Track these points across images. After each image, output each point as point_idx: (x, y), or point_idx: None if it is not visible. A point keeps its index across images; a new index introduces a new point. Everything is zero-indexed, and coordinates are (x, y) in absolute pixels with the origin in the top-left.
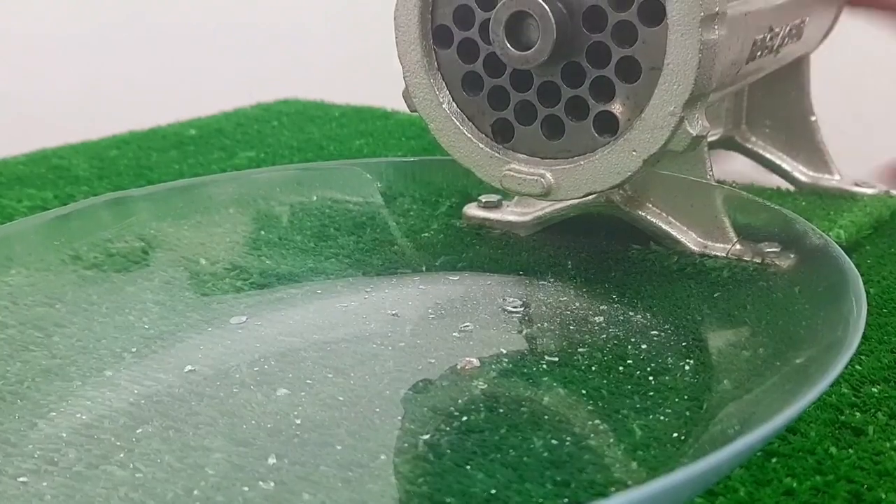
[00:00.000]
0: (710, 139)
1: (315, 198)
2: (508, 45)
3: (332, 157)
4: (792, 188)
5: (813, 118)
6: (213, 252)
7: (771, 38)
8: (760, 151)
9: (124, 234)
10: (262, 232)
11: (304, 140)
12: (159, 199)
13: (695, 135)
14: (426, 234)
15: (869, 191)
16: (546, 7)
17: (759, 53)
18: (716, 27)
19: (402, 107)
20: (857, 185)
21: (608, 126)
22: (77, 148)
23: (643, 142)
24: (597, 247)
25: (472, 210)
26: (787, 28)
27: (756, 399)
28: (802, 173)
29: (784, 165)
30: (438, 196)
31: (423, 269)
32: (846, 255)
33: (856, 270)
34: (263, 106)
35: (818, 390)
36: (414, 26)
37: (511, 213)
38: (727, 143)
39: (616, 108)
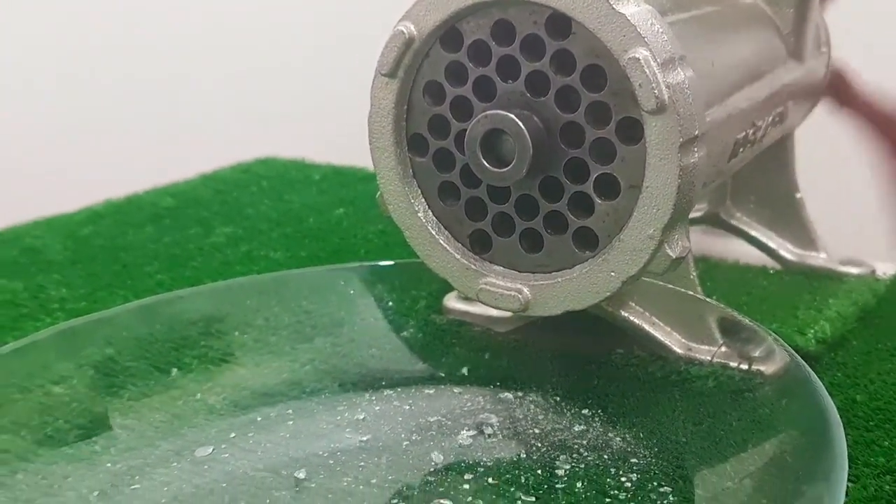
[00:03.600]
0: (694, 215)
1: (289, 295)
2: (485, 163)
3: (310, 231)
4: (777, 266)
5: (798, 195)
6: (185, 361)
7: (754, 133)
8: (745, 228)
9: (95, 351)
10: (236, 334)
11: (284, 210)
12: (130, 320)
13: (674, 257)
14: (405, 334)
15: (854, 270)
16: (521, 125)
17: (741, 150)
18: (695, 149)
19: None
20: (842, 264)
21: (587, 241)
22: (51, 223)
23: (622, 263)
24: (578, 349)
25: (451, 302)
26: (771, 118)
27: None
28: (788, 251)
29: (770, 243)
30: (418, 283)
31: (400, 380)
32: (823, 388)
33: (835, 412)
34: (242, 167)
35: None
36: (388, 133)
37: (492, 308)
38: (712, 220)
39: (595, 224)
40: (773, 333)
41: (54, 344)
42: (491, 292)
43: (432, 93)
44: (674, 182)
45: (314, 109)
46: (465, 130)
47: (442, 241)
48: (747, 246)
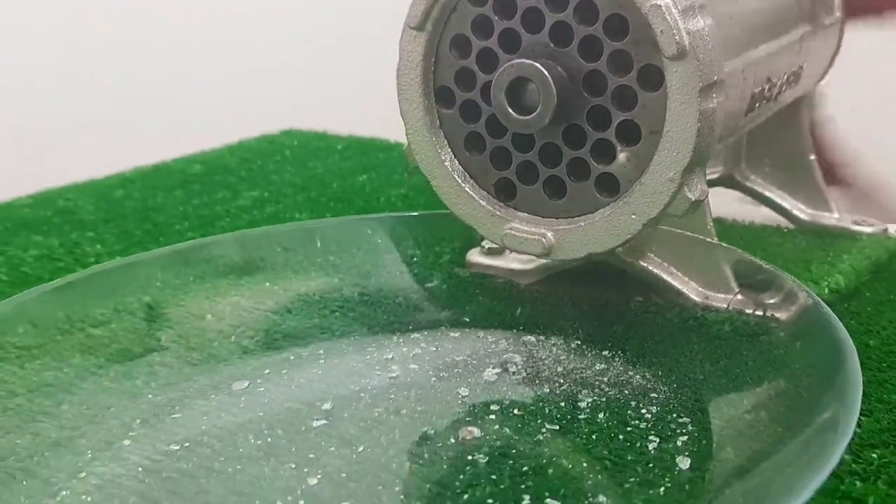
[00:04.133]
0: (709, 177)
1: (319, 246)
2: (510, 110)
3: (334, 194)
4: (791, 226)
5: (812, 157)
6: (218, 308)
7: (769, 89)
8: (760, 190)
9: (131, 296)
10: (267, 284)
11: (308, 177)
12: (165, 262)
13: (693, 200)
14: (430, 285)
15: (867, 229)
16: (546, 73)
17: (756, 105)
18: (714, 95)
19: (403, 138)
20: (855, 223)
21: (609, 187)
22: (82, 188)
23: (643, 206)
24: (598, 298)
25: (475, 257)
26: (785, 76)
27: (759, 477)
28: (802, 211)
29: (784, 204)
30: (441, 240)
31: (426, 324)
32: (840, 323)
33: (851, 342)
34: (268, 138)
35: (813, 487)
36: (416, 86)
37: (514, 261)
38: (727, 182)
39: (617, 170)
40: (789, 275)
41: (92, 286)
42: (515, 237)
43: (459, 46)
44: (693, 126)
45: (335, 84)
46: (491, 82)
47: (468, 189)
48: (762, 208)
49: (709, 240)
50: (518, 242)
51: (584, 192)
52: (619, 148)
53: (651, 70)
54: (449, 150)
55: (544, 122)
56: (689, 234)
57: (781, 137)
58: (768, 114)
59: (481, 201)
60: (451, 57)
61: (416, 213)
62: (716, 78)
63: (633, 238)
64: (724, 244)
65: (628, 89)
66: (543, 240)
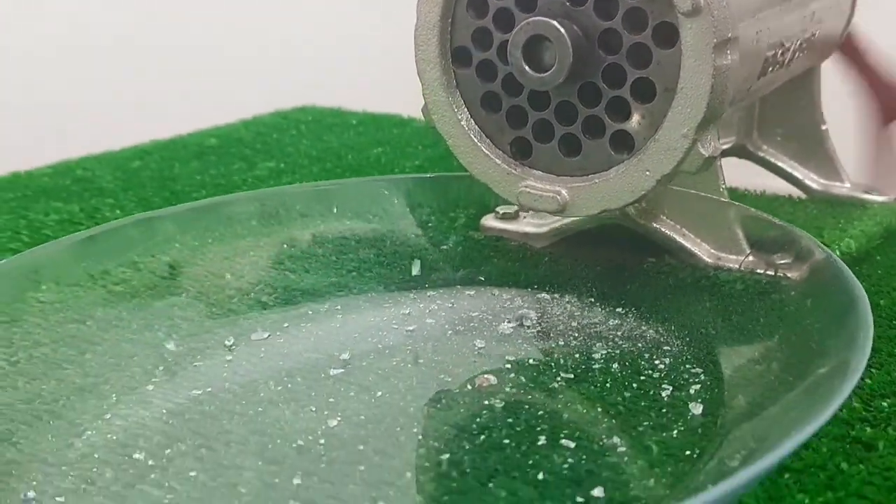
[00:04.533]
0: (722, 147)
1: (335, 211)
2: (526, 68)
3: (350, 166)
4: (803, 195)
5: (824, 127)
6: (237, 268)
7: (782, 54)
8: (772, 160)
9: (151, 253)
10: (285, 246)
11: (323, 149)
12: (184, 219)
13: (707, 156)
14: (445, 247)
15: (879, 198)
16: (562, 31)
17: (770, 69)
18: (728, 52)
19: (418, 114)
20: (866, 192)
21: (624, 144)
22: (100, 159)
23: (657, 162)
24: (612, 259)
25: (489, 221)
26: (798, 42)
27: (769, 417)
28: (813, 181)
29: (795, 173)
30: (456, 206)
31: (442, 283)
32: (853, 276)
33: (863, 292)
34: (281, 114)
35: (825, 417)
36: (433, 46)
37: (528, 225)
38: (739, 152)
39: (632, 126)
40: (803, 231)
41: (112, 241)
42: (530, 194)
43: (476, 6)
44: (707, 83)
45: (348, 61)
46: (508, 42)
47: (484, 149)
48: (773, 178)
49: (721, 199)
50: (533, 200)
51: (599, 149)
52: (633, 105)
53: (666, 27)
54: (465, 109)
55: (560, 80)
56: (702, 194)
57: (794, 107)
58: (780, 81)
59: (497, 160)
60: (468, 17)
61: (431, 175)
62: (730, 35)
63: (647, 194)
64: (736, 203)
65: (643, 47)
66: (558, 197)
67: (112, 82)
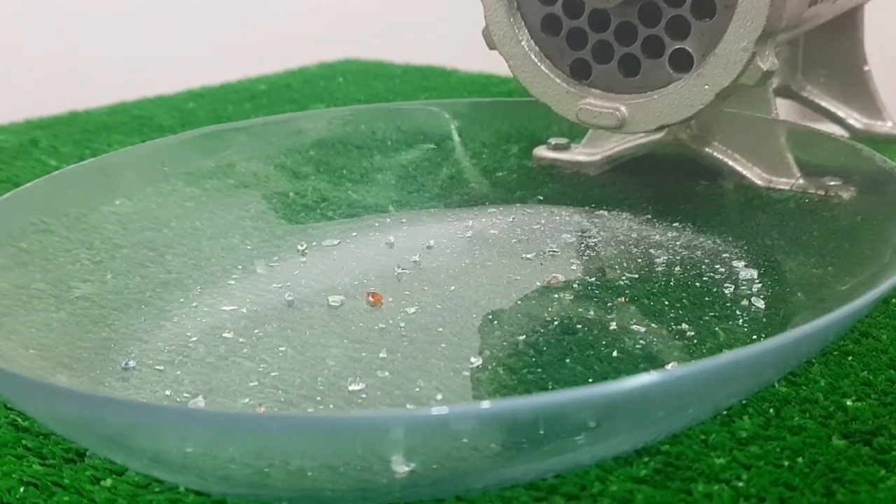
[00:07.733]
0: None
1: (395, 136)
2: None
3: None
4: (846, 135)
5: (866, 67)
6: (301, 187)
7: None
8: (815, 100)
9: (219, 169)
10: (345, 171)
11: (371, 94)
12: (253, 133)
13: (765, 69)
14: (500, 174)
15: None
16: None
17: (819, 0)
18: None
19: (461, 66)
20: None
21: (683, 63)
22: (154, 101)
23: (716, 76)
24: (665, 183)
25: (542, 151)
26: None
27: (829, 307)
28: (856, 120)
29: (838, 113)
30: (507, 140)
31: (501, 202)
32: None
33: None
34: (326, 65)
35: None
36: None
37: (580, 154)
38: (783, 92)
39: (690, 45)
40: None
41: (181, 148)
42: (590, 111)
43: None
44: None
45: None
46: None
47: (544, 68)
48: (816, 120)
49: (773, 118)
50: (592, 116)
51: (658, 68)
52: (693, 23)
53: None
54: (526, 31)
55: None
56: (753, 114)
57: (837, 48)
58: (827, 16)
59: (556, 79)
60: None
61: (489, 99)
62: None
63: (704, 109)
64: (788, 120)
65: None
66: (617, 113)
67: (155, 36)
